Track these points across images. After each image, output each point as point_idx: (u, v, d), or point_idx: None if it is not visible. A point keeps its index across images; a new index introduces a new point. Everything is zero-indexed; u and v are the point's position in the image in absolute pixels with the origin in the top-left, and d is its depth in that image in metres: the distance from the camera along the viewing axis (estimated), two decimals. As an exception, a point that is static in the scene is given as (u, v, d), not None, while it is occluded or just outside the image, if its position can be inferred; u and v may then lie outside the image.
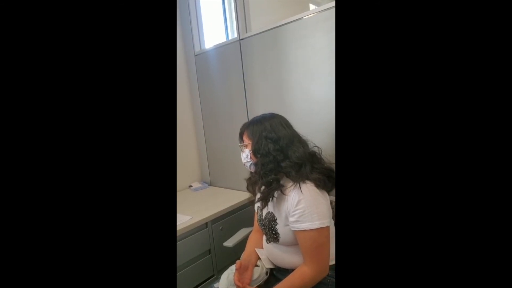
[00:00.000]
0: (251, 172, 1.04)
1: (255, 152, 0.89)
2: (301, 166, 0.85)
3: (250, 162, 0.93)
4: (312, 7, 2.49)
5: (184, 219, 1.26)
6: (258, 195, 1.01)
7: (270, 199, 0.87)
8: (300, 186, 0.82)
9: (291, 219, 0.83)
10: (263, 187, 0.90)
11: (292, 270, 0.89)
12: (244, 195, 1.52)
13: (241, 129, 0.98)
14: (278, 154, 0.86)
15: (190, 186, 1.81)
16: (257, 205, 1.01)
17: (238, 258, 1.04)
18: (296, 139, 0.90)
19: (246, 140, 0.93)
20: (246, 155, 0.93)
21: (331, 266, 0.86)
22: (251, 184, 1.04)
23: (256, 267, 0.96)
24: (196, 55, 1.71)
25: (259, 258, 0.99)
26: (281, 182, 0.87)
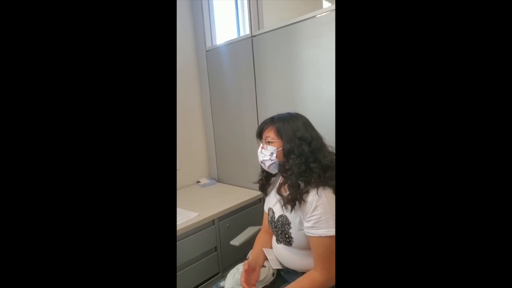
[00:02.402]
0: (262, 172, 1.03)
1: (288, 152, 0.86)
2: (327, 170, 0.83)
3: (273, 162, 0.90)
4: (326, 4, 2.44)
5: (191, 216, 1.26)
6: (271, 197, 1.00)
7: (298, 202, 0.83)
8: (318, 192, 0.80)
9: (306, 224, 0.81)
10: (288, 190, 0.86)
11: (301, 272, 0.89)
12: (251, 193, 1.51)
13: (262, 124, 0.94)
14: (310, 156, 0.84)
15: (198, 181, 1.82)
16: (268, 206, 1.00)
17: (245, 257, 1.03)
18: (324, 142, 0.90)
19: (273, 137, 0.90)
20: (270, 153, 0.89)
21: None
22: (263, 185, 1.03)
23: (263, 268, 0.95)
24: (207, 51, 1.70)
25: (266, 259, 0.98)
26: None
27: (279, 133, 0.89)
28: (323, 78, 1.20)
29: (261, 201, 1.53)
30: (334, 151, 0.91)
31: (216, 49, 1.66)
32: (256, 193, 1.50)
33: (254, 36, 1.43)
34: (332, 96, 1.17)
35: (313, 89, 1.24)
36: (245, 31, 1.88)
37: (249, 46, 1.45)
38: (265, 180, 1.03)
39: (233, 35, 1.92)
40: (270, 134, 0.90)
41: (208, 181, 1.80)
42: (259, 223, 1.14)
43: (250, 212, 1.48)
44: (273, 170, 0.94)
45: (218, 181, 1.83)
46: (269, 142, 0.90)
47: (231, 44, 1.56)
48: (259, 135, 0.95)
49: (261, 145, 0.94)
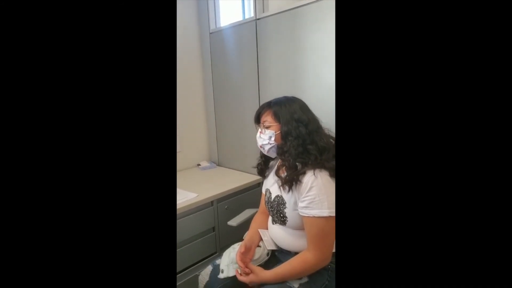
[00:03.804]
0: (261, 156, 1.04)
1: (286, 134, 0.87)
2: (323, 152, 0.85)
3: (272, 145, 0.91)
4: (333, -12, 2.38)
5: (190, 196, 1.29)
6: (269, 179, 1.02)
7: (295, 182, 0.84)
8: (314, 173, 0.81)
9: (300, 204, 0.83)
10: (286, 171, 0.88)
11: (295, 252, 0.91)
12: (250, 177, 1.53)
13: (259, 109, 0.96)
14: (307, 138, 0.85)
15: (199, 164, 1.83)
16: (266, 187, 1.02)
17: (241, 238, 1.06)
18: (321, 124, 0.91)
19: (270, 121, 0.91)
20: (268, 137, 0.91)
21: (333, 253, 0.87)
22: (262, 169, 1.04)
23: (257, 248, 0.98)
24: (211, 33, 1.68)
25: (261, 239, 1.01)
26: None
27: (277, 117, 0.90)
28: (326, 65, 1.19)
29: (259, 185, 1.55)
30: (330, 133, 0.92)
31: (219, 31, 1.64)
32: (255, 177, 1.52)
33: (258, 19, 1.41)
34: (335, 83, 1.16)
35: (316, 75, 1.23)
36: (251, 13, 1.85)
37: (253, 29, 1.43)
38: (263, 165, 1.05)
39: (239, 17, 1.89)
40: (267, 118, 0.92)
41: (209, 164, 1.82)
42: (257, 206, 1.16)
43: (249, 196, 1.50)
44: (272, 154, 0.95)
45: (218, 165, 1.85)
46: (267, 126, 0.92)
47: (235, 26, 1.54)
48: (257, 120, 0.96)
49: (259, 129, 0.95)
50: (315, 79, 1.24)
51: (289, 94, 0.98)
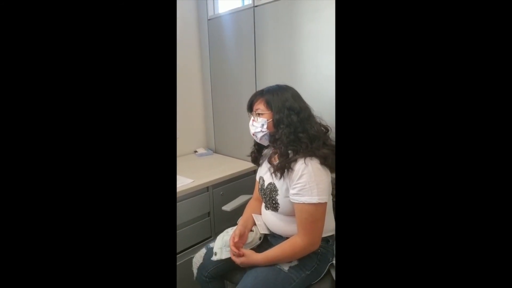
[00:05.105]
0: (254, 145, 1.06)
1: (278, 122, 0.89)
2: (314, 140, 0.86)
3: (264, 133, 0.93)
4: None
5: (186, 182, 1.31)
6: (263, 167, 1.04)
7: (286, 170, 0.86)
8: (305, 161, 0.83)
9: (291, 191, 0.86)
10: (278, 158, 0.90)
11: (286, 237, 0.94)
12: (246, 165, 1.56)
13: (252, 97, 0.97)
14: (298, 126, 0.87)
15: (195, 151, 1.85)
16: (260, 175, 1.05)
17: (235, 222, 1.09)
18: (312, 113, 0.93)
19: (263, 109, 0.92)
20: (260, 125, 0.92)
21: (322, 238, 0.90)
22: (256, 157, 1.07)
23: (250, 232, 1.01)
24: (209, 20, 1.67)
25: (255, 224, 1.04)
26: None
27: (269, 105, 0.91)
28: (322, 53, 1.19)
29: (254, 172, 1.57)
30: (322, 122, 0.94)
31: (218, 18, 1.63)
32: (250, 164, 1.53)
33: (256, 6, 1.40)
34: (331, 72, 1.18)
35: (312, 64, 1.24)
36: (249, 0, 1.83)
37: (251, 17, 1.43)
38: (257, 153, 1.07)
39: (237, 4, 1.87)
40: (260, 106, 0.93)
41: (205, 151, 1.84)
42: (251, 192, 1.19)
43: (244, 182, 1.53)
44: (265, 142, 0.97)
45: (215, 152, 1.87)
46: (259, 114, 0.93)
47: (233, 13, 1.54)
48: (250, 108, 0.98)
49: (252, 118, 0.96)
50: (312, 67, 1.25)
51: (285, 82, 0.99)
